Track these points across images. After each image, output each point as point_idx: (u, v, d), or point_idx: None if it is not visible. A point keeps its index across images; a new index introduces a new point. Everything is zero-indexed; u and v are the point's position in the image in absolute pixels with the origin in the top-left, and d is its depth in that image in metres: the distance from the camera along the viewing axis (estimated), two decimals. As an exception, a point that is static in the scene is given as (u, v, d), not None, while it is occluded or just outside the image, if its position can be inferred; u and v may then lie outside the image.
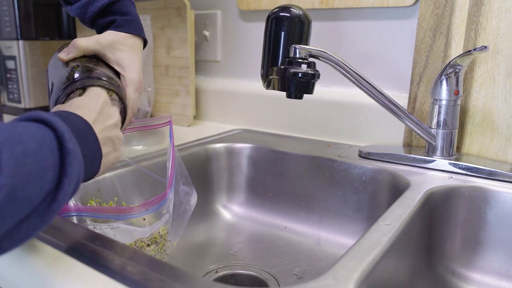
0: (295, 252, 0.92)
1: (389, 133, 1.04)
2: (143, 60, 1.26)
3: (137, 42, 0.75)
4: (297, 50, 0.79)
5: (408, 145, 0.98)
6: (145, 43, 0.79)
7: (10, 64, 1.43)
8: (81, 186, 0.49)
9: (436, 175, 0.85)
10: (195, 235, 0.97)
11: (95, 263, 0.50)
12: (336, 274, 0.49)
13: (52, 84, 0.66)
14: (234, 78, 1.34)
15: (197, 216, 0.99)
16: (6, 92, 1.46)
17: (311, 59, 0.79)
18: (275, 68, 0.81)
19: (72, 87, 0.62)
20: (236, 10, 1.29)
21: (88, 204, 0.77)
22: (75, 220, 0.68)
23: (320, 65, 0.80)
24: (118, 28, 0.73)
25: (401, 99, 0.98)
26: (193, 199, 0.76)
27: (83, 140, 0.49)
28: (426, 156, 0.89)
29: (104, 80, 0.65)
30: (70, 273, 0.49)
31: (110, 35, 0.72)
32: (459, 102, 0.86)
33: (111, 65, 0.72)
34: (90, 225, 0.67)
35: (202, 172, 1.05)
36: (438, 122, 0.87)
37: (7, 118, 1.39)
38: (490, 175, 0.81)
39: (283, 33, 0.80)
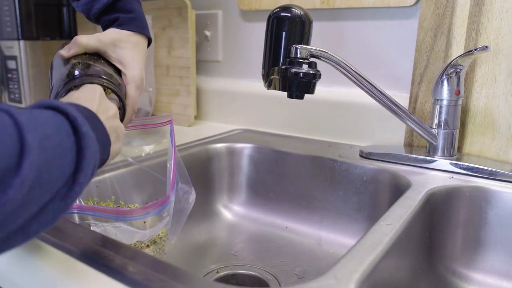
0: (296, 252, 0.92)
1: (390, 133, 1.04)
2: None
3: (140, 40, 0.75)
4: (298, 50, 0.79)
5: (409, 145, 0.98)
6: (149, 41, 0.79)
7: (11, 64, 1.43)
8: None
9: (437, 175, 0.85)
10: (196, 235, 0.97)
11: (96, 263, 0.50)
12: (337, 274, 0.49)
13: (54, 80, 0.67)
14: (235, 78, 1.34)
15: (198, 216, 0.99)
16: (7, 92, 1.46)
17: (312, 59, 0.79)
18: (276, 68, 0.81)
19: (71, 84, 0.62)
20: (237, 10, 1.29)
21: (88, 203, 0.77)
22: (76, 217, 0.68)
23: (321, 65, 0.80)
24: (121, 25, 0.73)
25: (402, 99, 0.98)
26: (192, 198, 0.76)
27: (93, 126, 0.49)
28: (427, 156, 0.89)
29: (103, 78, 0.65)
30: (71, 273, 0.49)
31: (112, 33, 0.72)
32: (460, 102, 0.86)
33: (113, 62, 0.72)
34: (92, 222, 0.67)
35: (203, 172, 1.05)
36: (439, 122, 0.87)
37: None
38: (491, 175, 0.81)
39: (284, 33, 0.80)
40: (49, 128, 0.39)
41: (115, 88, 0.66)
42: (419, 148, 0.96)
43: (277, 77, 0.80)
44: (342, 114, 1.11)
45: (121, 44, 0.72)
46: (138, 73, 0.73)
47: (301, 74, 0.77)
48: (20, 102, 1.42)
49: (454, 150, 0.88)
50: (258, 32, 1.26)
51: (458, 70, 0.84)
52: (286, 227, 1.00)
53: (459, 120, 0.87)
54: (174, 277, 0.47)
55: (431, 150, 0.89)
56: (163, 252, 0.76)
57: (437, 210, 0.78)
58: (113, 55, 0.72)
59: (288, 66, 0.78)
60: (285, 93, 0.81)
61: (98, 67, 0.67)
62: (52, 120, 0.41)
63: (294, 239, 0.96)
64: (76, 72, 0.65)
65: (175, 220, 0.75)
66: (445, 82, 0.85)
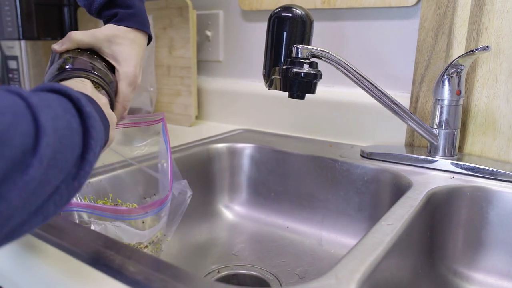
0: (297, 252, 0.92)
1: (391, 133, 1.04)
2: (145, 59, 1.26)
3: (138, 36, 0.74)
4: (299, 50, 0.79)
5: (410, 145, 0.98)
6: (149, 38, 0.78)
7: (12, 64, 1.43)
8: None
9: (438, 175, 0.85)
10: (197, 235, 0.97)
11: (96, 263, 0.50)
12: (338, 274, 0.49)
13: (46, 75, 0.67)
14: (236, 78, 1.34)
15: (199, 216, 0.99)
16: (8, 92, 1.46)
17: (313, 59, 0.79)
18: (277, 68, 0.81)
19: (60, 77, 0.63)
20: (238, 10, 1.29)
21: (85, 201, 0.77)
22: (76, 216, 0.68)
23: (322, 65, 0.80)
24: (119, 21, 0.73)
25: (403, 99, 0.98)
26: (187, 195, 0.76)
27: (95, 108, 0.49)
28: (428, 156, 0.89)
29: (91, 73, 0.65)
30: (71, 273, 0.49)
31: (108, 29, 0.72)
32: (461, 102, 0.86)
33: (107, 59, 0.72)
34: (93, 221, 0.67)
35: (204, 172, 1.05)
36: (440, 122, 0.87)
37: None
38: (492, 175, 0.81)
39: (285, 33, 0.80)
40: (57, 109, 0.39)
41: (104, 84, 0.66)
42: (420, 148, 0.96)
43: (278, 77, 0.80)
44: (343, 114, 1.11)
45: (117, 40, 0.72)
46: (132, 69, 0.72)
47: (302, 74, 0.77)
48: (21, 102, 1.42)
49: (455, 150, 0.88)
50: (259, 32, 1.26)
51: (459, 70, 0.84)
52: (287, 227, 1.00)
53: (460, 120, 0.87)
54: (175, 277, 0.47)
55: (432, 150, 0.89)
56: (160, 251, 0.76)
57: (438, 210, 0.78)
58: (107, 51, 0.71)
59: (289, 66, 0.78)
60: (286, 93, 0.81)
61: (89, 62, 0.67)
62: (57, 101, 0.41)
63: (295, 239, 0.96)
64: (67, 66, 0.65)
65: (171, 217, 0.75)
66: (446, 82, 0.85)
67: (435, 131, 0.87)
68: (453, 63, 0.83)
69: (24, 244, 0.56)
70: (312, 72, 0.77)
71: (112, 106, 0.68)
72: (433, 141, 0.88)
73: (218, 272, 0.85)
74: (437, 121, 0.87)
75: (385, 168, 0.89)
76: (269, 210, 1.04)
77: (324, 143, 1.08)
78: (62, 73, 0.63)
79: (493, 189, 0.78)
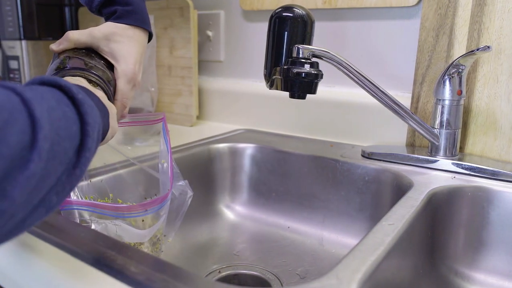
0: (298, 252, 0.92)
1: (392, 133, 1.04)
2: (146, 59, 1.26)
3: (137, 33, 0.74)
4: (300, 50, 0.79)
5: (411, 145, 0.98)
6: (150, 35, 0.78)
7: (13, 64, 1.43)
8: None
9: (439, 175, 0.85)
10: (198, 235, 0.97)
11: (98, 263, 0.50)
12: (339, 274, 0.49)
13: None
14: (237, 78, 1.34)
15: (200, 216, 0.99)
16: (10, 92, 1.46)
17: (314, 59, 0.79)
18: (278, 68, 0.81)
19: (57, 76, 0.63)
20: (239, 10, 1.29)
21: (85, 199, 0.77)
22: (76, 214, 0.68)
23: (323, 65, 0.80)
24: (118, 19, 0.73)
25: (404, 99, 0.98)
26: (188, 195, 0.76)
27: (89, 95, 0.49)
28: (429, 156, 0.89)
29: (86, 71, 0.65)
30: (73, 273, 0.49)
31: (106, 27, 0.72)
32: (462, 102, 0.86)
33: (105, 57, 0.72)
34: (93, 219, 0.67)
35: (205, 172, 1.05)
36: (441, 122, 0.87)
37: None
38: (493, 175, 0.81)
39: (286, 33, 0.80)
40: (51, 101, 0.39)
41: (100, 82, 0.65)
42: (421, 148, 0.96)
43: (279, 77, 0.80)
44: (344, 114, 1.11)
45: (116, 38, 0.71)
46: (131, 67, 0.72)
47: (303, 74, 0.77)
48: (22, 102, 1.42)
49: (456, 150, 0.88)
50: (260, 32, 1.26)
51: (460, 70, 0.84)
52: (288, 227, 1.00)
53: (461, 120, 0.87)
54: (176, 277, 0.47)
55: (433, 150, 0.89)
56: (160, 251, 0.76)
57: (439, 210, 0.78)
58: (105, 49, 0.71)
59: (290, 66, 0.78)
60: (287, 93, 0.81)
61: (86, 61, 0.67)
62: (50, 93, 0.41)
63: (296, 239, 0.97)
64: (63, 66, 0.65)
65: (173, 218, 0.75)
66: (447, 82, 0.85)
67: (436, 131, 0.87)
68: (454, 63, 0.83)
69: (25, 244, 0.56)
70: (313, 72, 0.77)
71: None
72: (434, 141, 0.88)
73: (219, 272, 0.85)
74: (438, 121, 0.87)
75: (386, 168, 0.89)
76: (270, 210, 1.04)
77: (325, 143, 1.08)
78: (59, 73, 0.64)
79: (494, 189, 0.78)
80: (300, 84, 0.78)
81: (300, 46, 0.79)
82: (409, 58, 1.02)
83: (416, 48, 0.97)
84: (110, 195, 0.81)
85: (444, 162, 0.86)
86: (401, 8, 1.02)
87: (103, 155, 0.84)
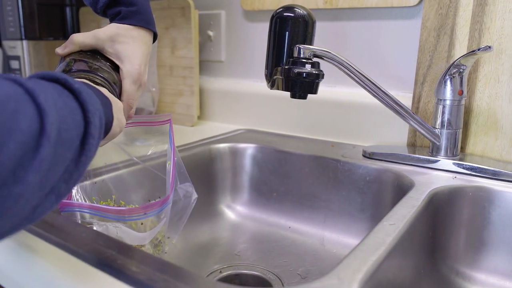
0: (299, 252, 0.92)
1: (393, 133, 1.04)
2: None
3: (141, 34, 0.74)
4: (301, 50, 0.79)
5: (412, 145, 0.98)
6: (155, 36, 0.78)
7: (14, 64, 1.43)
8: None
9: (440, 175, 0.85)
10: (199, 235, 0.97)
11: (99, 263, 0.50)
12: (340, 274, 0.49)
13: None
14: (238, 78, 1.34)
15: (201, 216, 0.99)
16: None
17: (315, 59, 0.79)
18: (279, 68, 0.81)
19: None
20: (240, 10, 1.29)
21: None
22: (78, 216, 0.69)
23: (324, 65, 0.80)
24: (122, 20, 0.73)
25: (405, 99, 0.98)
26: (193, 197, 0.76)
27: (87, 86, 0.49)
28: (430, 156, 0.89)
29: (91, 73, 0.65)
30: (74, 273, 0.49)
31: (111, 28, 0.72)
32: (463, 102, 0.86)
33: (111, 58, 0.72)
34: (94, 221, 0.67)
35: (206, 172, 1.05)
36: (442, 122, 0.87)
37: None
38: (494, 175, 0.81)
39: (287, 33, 0.80)
40: (52, 92, 0.40)
41: (105, 83, 0.66)
42: (422, 148, 0.96)
43: (280, 77, 0.80)
44: (345, 114, 1.11)
45: (120, 39, 0.71)
46: (136, 68, 0.72)
47: (304, 74, 0.77)
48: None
49: (457, 150, 0.88)
50: (261, 32, 1.26)
51: (461, 70, 0.84)
52: (289, 227, 1.00)
53: (462, 120, 0.87)
54: (177, 277, 0.47)
55: (434, 150, 0.89)
56: (163, 252, 0.76)
57: (440, 210, 0.78)
58: (110, 50, 0.71)
59: (291, 66, 0.78)
60: (288, 93, 0.81)
61: (91, 63, 0.67)
62: (50, 86, 0.42)
63: (297, 239, 0.97)
64: (68, 69, 0.65)
65: (176, 220, 0.75)
66: (448, 82, 0.85)
67: (437, 131, 0.87)
68: (455, 63, 0.83)
69: (26, 244, 0.56)
70: (314, 72, 0.77)
71: None
72: (435, 141, 0.88)
73: (220, 272, 0.85)
74: (439, 121, 0.87)
75: (387, 168, 0.89)
76: (271, 210, 1.04)
77: (326, 143, 1.08)
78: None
79: (495, 189, 0.78)
80: (301, 84, 0.78)
81: (301, 46, 0.79)
82: (410, 58, 1.02)
83: (417, 48, 0.97)
84: (113, 196, 0.81)
85: (445, 162, 0.86)
86: (402, 8, 1.02)
87: (108, 154, 0.85)
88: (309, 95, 0.80)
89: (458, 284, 0.78)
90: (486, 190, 0.78)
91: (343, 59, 0.80)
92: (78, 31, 1.52)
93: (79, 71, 0.65)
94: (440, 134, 0.87)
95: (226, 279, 0.84)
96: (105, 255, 0.52)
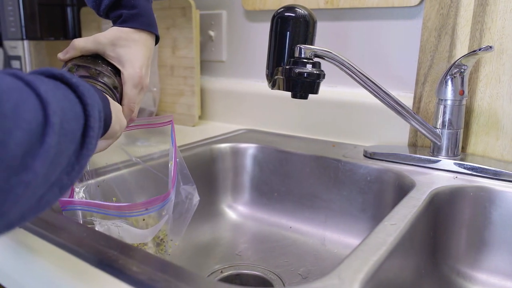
0: (300, 252, 0.92)
1: (394, 133, 1.04)
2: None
3: (143, 37, 0.74)
4: (302, 50, 0.79)
5: (413, 145, 0.98)
6: (157, 38, 0.78)
7: (15, 64, 1.43)
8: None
9: (441, 175, 0.85)
10: (200, 235, 0.97)
11: (100, 263, 0.50)
12: (341, 274, 0.49)
13: None
14: (239, 78, 1.34)
15: (202, 216, 0.99)
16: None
17: (316, 59, 0.79)
18: (280, 68, 0.81)
19: None
20: (241, 10, 1.29)
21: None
22: (80, 215, 0.69)
23: (325, 65, 0.80)
24: (123, 23, 0.73)
25: (406, 99, 0.98)
26: (195, 199, 0.76)
27: (86, 83, 0.50)
28: (431, 156, 0.89)
29: (90, 78, 0.65)
30: (75, 273, 0.49)
31: (111, 32, 0.72)
32: (464, 102, 0.86)
33: (112, 62, 0.72)
34: (96, 221, 0.67)
35: (207, 172, 1.05)
36: (443, 122, 0.87)
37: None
38: (495, 175, 0.81)
39: (288, 33, 0.80)
40: (50, 85, 0.40)
41: (106, 88, 0.66)
42: (423, 148, 0.95)
43: (281, 77, 0.80)
44: (346, 114, 1.11)
45: (121, 42, 0.71)
46: (137, 71, 0.71)
47: (305, 74, 0.77)
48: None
49: (458, 150, 0.88)
50: (262, 32, 1.26)
51: (462, 70, 0.83)
52: (290, 227, 1.00)
53: (463, 120, 0.87)
54: (178, 277, 0.47)
55: (435, 150, 0.89)
56: (166, 253, 0.76)
57: (441, 210, 0.78)
58: (111, 54, 0.71)
59: (292, 66, 0.78)
60: (289, 93, 0.81)
61: (92, 68, 0.68)
62: (48, 80, 0.42)
63: (298, 239, 0.97)
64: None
65: (179, 221, 0.75)
66: (449, 82, 0.85)
67: (438, 131, 0.87)
68: (456, 63, 0.83)
69: (27, 243, 0.56)
70: (315, 72, 0.77)
71: None
72: (436, 141, 0.88)
73: (221, 272, 0.85)
74: (440, 121, 0.87)
75: (388, 168, 0.89)
76: (272, 210, 1.04)
77: (327, 143, 1.08)
78: None
79: (496, 189, 0.78)
80: (302, 84, 0.78)
81: (302, 46, 0.79)
82: (411, 58, 1.02)
83: (418, 48, 0.97)
84: (114, 199, 0.81)
85: (446, 162, 0.86)
86: (403, 8, 1.02)
87: (110, 155, 0.85)
88: (310, 95, 0.80)
89: (459, 284, 0.78)
90: (487, 190, 0.78)
91: (344, 59, 0.80)
92: (79, 31, 1.52)
93: (80, 76, 0.65)
94: (441, 134, 0.87)
95: (227, 279, 0.84)
96: (106, 255, 0.52)
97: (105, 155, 0.83)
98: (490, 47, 0.77)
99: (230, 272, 0.86)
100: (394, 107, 0.83)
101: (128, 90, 0.71)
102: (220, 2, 1.33)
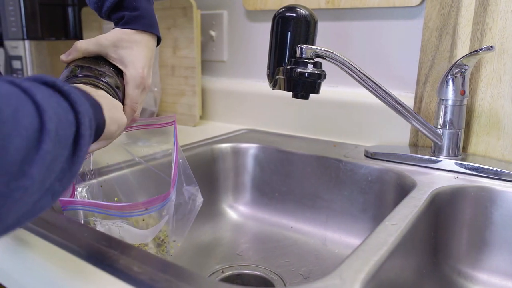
0: (301, 252, 0.92)
1: (395, 133, 1.04)
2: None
3: (145, 38, 0.75)
4: (303, 50, 0.79)
5: (414, 145, 0.98)
6: (159, 39, 0.78)
7: (16, 64, 1.44)
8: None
9: (442, 175, 0.85)
10: (201, 235, 0.97)
11: (101, 262, 0.50)
12: (342, 274, 0.49)
13: None
14: (240, 78, 1.34)
15: (203, 216, 0.99)
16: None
17: (317, 59, 0.79)
18: (281, 68, 0.81)
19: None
20: (242, 10, 1.29)
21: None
22: (81, 215, 0.69)
23: (326, 65, 0.80)
24: (125, 24, 0.73)
25: (407, 99, 0.98)
26: (199, 200, 0.76)
27: (78, 91, 0.49)
28: (432, 156, 0.88)
29: (92, 78, 0.66)
30: (75, 273, 0.49)
31: (114, 33, 0.72)
32: (465, 102, 0.86)
33: (114, 63, 0.72)
34: (97, 222, 0.67)
35: (208, 172, 1.05)
36: (444, 122, 0.87)
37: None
38: (496, 175, 0.81)
39: (289, 33, 0.80)
40: (45, 92, 0.41)
41: (108, 88, 0.66)
42: (424, 148, 0.95)
43: (282, 77, 0.80)
44: (347, 114, 1.11)
45: (123, 44, 0.72)
46: (139, 72, 0.72)
47: (306, 74, 0.77)
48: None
49: (459, 150, 0.88)
50: (263, 32, 1.26)
51: (463, 70, 0.83)
52: (291, 227, 1.00)
53: (464, 120, 0.87)
54: (179, 277, 0.47)
55: (436, 150, 0.89)
56: (168, 254, 0.76)
57: (442, 210, 0.78)
58: (113, 55, 0.72)
59: (293, 66, 0.78)
60: (290, 93, 0.81)
61: (94, 69, 0.68)
62: (41, 87, 0.42)
63: (299, 239, 0.97)
64: (72, 75, 0.66)
65: (182, 222, 0.75)
66: (450, 82, 0.84)
67: (439, 131, 0.87)
68: (457, 63, 0.83)
69: (28, 243, 0.56)
70: (316, 72, 0.77)
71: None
72: (437, 141, 0.88)
73: (222, 272, 0.85)
74: (441, 121, 0.87)
75: (389, 168, 0.89)
76: (273, 210, 1.04)
77: (328, 143, 1.08)
78: (67, 81, 0.65)
79: (497, 189, 0.78)
80: (303, 84, 0.78)
81: (303, 46, 0.79)
82: (412, 58, 1.02)
83: (419, 48, 0.97)
84: (116, 199, 0.82)
85: (447, 162, 0.86)
86: (404, 8, 1.02)
87: (111, 154, 0.85)
88: (311, 95, 0.80)
89: (460, 284, 0.78)
90: (488, 190, 0.78)
91: (345, 59, 0.80)
92: (80, 31, 1.52)
93: (82, 76, 0.66)
94: (442, 134, 0.87)
95: (228, 279, 0.84)
96: (107, 255, 0.52)
97: (107, 154, 0.83)
98: (491, 47, 0.77)
99: (231, 272, 0.86)
100: (395, 107, 0.83)
101: (131, 90, 0.72)
102: (221, 2, 1.33)
